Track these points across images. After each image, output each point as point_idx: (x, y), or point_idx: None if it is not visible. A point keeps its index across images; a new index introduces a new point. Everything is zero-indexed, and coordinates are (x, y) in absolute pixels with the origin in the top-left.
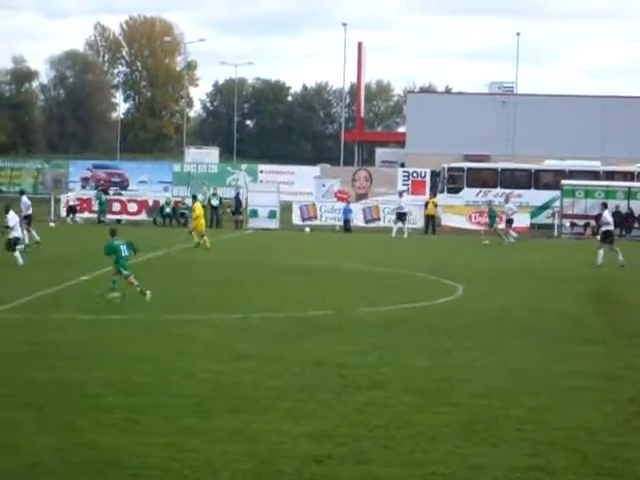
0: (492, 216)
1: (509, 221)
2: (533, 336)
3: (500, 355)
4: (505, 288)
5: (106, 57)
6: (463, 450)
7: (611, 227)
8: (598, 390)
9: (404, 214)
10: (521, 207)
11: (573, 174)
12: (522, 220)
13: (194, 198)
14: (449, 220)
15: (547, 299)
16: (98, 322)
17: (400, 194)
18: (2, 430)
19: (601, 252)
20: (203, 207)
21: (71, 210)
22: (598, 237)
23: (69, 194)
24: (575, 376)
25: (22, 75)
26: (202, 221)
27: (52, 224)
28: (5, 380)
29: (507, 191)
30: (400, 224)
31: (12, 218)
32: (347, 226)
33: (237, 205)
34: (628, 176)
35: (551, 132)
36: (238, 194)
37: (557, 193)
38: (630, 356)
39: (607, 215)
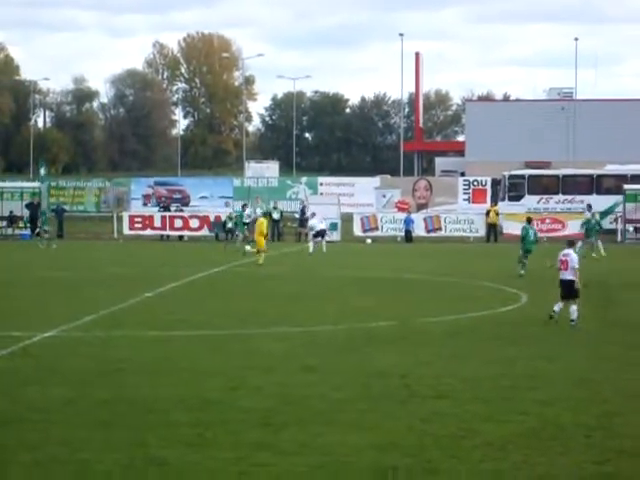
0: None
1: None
2: (599, 343)
3: (566, 363)
4: None
5: (165, 74)
6: (532, 459)
7: None
8: None
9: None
10: (583, 213)
11: (635, 178)
12: None
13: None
14: (511, 228)
15: (612, 306)
16: (164, 338)
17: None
18: (73, 447)
19: None
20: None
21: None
22: None
23: None
24: None
25: (83, 95)
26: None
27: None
28: (73, 397)
29: (569, 197)
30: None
31: None
32: (409, 236)
33: (302, 218)
34: None
35: (612, 137)
36: (304, 207)
37: (620, 198)
38: None
39: None
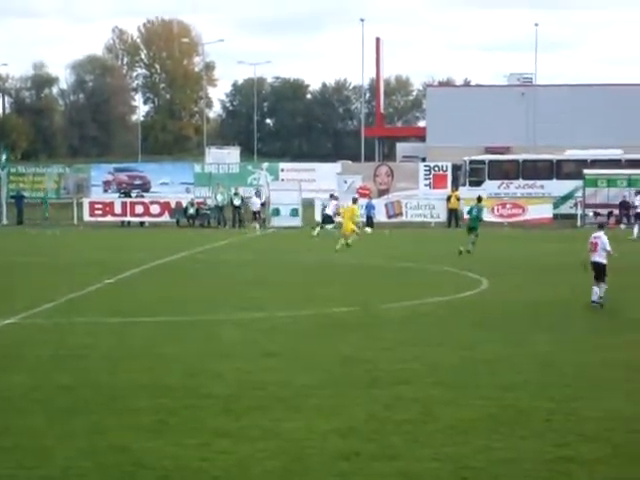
0: None
1: None
2: (561, 328)
3: (528, 348)
4: (530, 281)
5: (125, 60)
6: (493, 443)
7: None
8: (629, 381)
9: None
10: (543, 198)
11: (595, 163)
12: (545, 211)
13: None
14: None
15: (573, 291)
16: (125, 325)
17: None
18: (34, 434)
19: None
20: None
21: None
22: None
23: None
24: (605, 367)
25: (42, 81)
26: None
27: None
28: (34, 384)
29: (529, 182)
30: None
31: None
32: (370, 222)
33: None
34: None
35: (572, 122)
36: (257, 191)
37: (579, 183)
38: None
39: None
